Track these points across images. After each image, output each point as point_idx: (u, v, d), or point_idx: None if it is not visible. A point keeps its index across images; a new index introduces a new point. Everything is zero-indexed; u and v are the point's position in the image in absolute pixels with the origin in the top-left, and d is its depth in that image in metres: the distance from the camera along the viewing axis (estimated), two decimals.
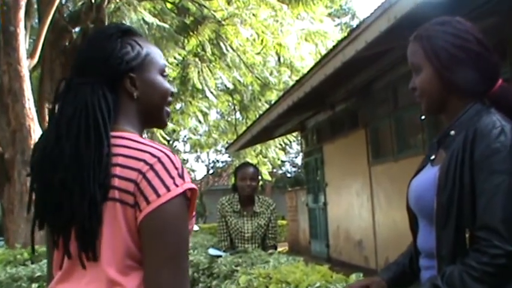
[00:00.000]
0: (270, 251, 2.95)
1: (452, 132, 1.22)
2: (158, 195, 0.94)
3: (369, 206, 7.36)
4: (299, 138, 12.13)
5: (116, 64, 1.03)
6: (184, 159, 21.43)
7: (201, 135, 14.54)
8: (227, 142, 13.82)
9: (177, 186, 0.95)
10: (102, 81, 1.02)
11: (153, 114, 1.08)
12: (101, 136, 0.97)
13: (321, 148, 9.56)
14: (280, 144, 13.16)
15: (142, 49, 1.07)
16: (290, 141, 14.67)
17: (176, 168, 0.97)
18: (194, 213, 1.02)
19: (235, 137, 11.21)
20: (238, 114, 13.32)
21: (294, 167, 26.33)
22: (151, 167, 0.96)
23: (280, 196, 18.70)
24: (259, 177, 3.49)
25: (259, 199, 3.33)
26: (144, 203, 0.95)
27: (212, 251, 2.90)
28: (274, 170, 25.45)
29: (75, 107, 0.99)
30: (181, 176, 0.97)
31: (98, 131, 0.98)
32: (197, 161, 23.18)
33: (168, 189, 0.94)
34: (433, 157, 1.29)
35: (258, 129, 7.99)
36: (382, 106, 6.90)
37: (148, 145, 0.99)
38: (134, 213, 0.96)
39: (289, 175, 26.22)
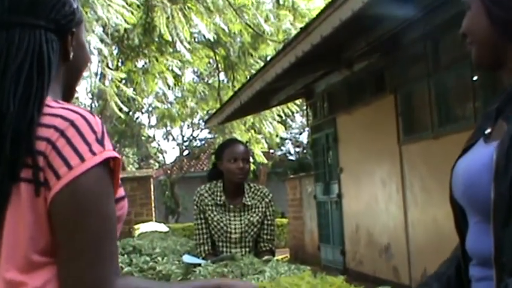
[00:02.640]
0: (266, 257, 2.98)
1: None
2: (70, 167, 0.98)
3: (400, 199, 7.42)
4: (304, 107, 12.14)
5: (69, 13, 1.11)
6: (149, 137, 21.38)
7: (171, 103, 14.53)
8: (207, 113, 13.82)
9: (94, 154, 0.99)
10: (52, 29, 1.08)
11: (73, 84, 1.17)
12: (42, 98, 1.02)
13: (334, 121, 9.58)
14: (280, 116, 13.20)
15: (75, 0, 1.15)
16: (292, 112, 14.69)
17: (94, 132, 1.01)
18: (123, 192, 1.08)
19: (218, 106, 11.21)
20: (222, 75, 13.28)
21: (297, 146, 26.50)
22: (62, 133, 1.00)
23: (278, 185, 18.81)
24: (251, 161, 3.51)
25: (251, 188, 3.35)
26: (54, 178, 0.98)
27: (187, 259, 2.92)
28: (271, 151, 25.59)
29: (26, 53, 1.04)
30: (100, 142, 1.01)
31: (40, 91, 1.03)
32: (166, 138, 23.20)
33: (82, 159, 0.98)
34: (488, 130, 1.29)
35: (249, 95, 7.99)
36: (418, 64, 6.90)
37: (61, 108, 1.03)
38: (44, 193, 0.99)
39: (291, 157, 26.41)
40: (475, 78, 5.86)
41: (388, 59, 7.43)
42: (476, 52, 1.28)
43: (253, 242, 3.29)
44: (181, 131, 22.31)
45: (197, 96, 13.24)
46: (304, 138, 25.92)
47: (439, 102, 6.55)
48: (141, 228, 9.15)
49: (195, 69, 15.15)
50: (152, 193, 12.18)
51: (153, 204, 12.30)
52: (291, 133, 26.43)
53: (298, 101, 12.37)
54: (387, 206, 7.79)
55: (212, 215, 3.29)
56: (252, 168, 13.93)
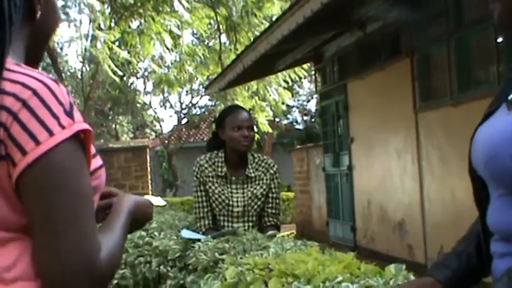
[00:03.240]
0: (270, 232, 3.00)
1: None
2: (37, 142, 0.97)
3: (415, 171, 7.43)
4: (313, 72, 12.09)
5: None
6: (145, 104, 21.37)
7: (169, 67, 14.48)
8: (208, 78, 13.76)
9: (63, 127, 0.99)
10: None
11: (38, 48, 1.16)
12: (1, 58, 1.01)
13: (345, 87, 9.55)
14: (286, 82, 13.15)
15: None
16: (300, 78, 14.60)
17: (61, 104, 1.00)
18: (100, 162, 1.10)
19: (219, 71, 11.17)
20: (223, 38, 13.17)
21: (305, 115, 26.49)
22: (24, 103, 0.98)
23: (284, 157, 18.87)
24: (255, 130, 3.53)
25: (255, 159, 3.38)
26: (19, 154, 0.98)
27: (186, 233, 2.94)
28: (277, 120, 25.59)
29: None
30: (69, 114, 1.01)
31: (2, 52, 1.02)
32: (163, 106, 23.16)
33: (51, 133, 0.98)
34: (511, 96, 1.27)
35: (252, 59, 7.96)
36: (438, 23, 6.84)
37: (22, 73, 1.01)
38: (7, 168, 0.99)
39: (298, 127, 26.41)
40: (499, 39, 5.80)
41: (405, 18, 7.36)
42: (499, 9, 1.25)
43: (256, 216, 3.31)
44: (180, 97, 22.32)
45: (197, 60, 13.16)
46: (312, 106, 25.92)
47: (459, 65, 6.51)
48: None
49: (195, 31, 15.05)
50: (148, 165, 12.22)
51: (149, 177, 12.35)
52: (298, 100, 26.42)
53: (306, 66, 12.31)
54: (402, 179, 7.80)
55: (213, 187, 3.31)
56: (256, 138, 14.00)
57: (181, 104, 22.32)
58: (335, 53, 9.77)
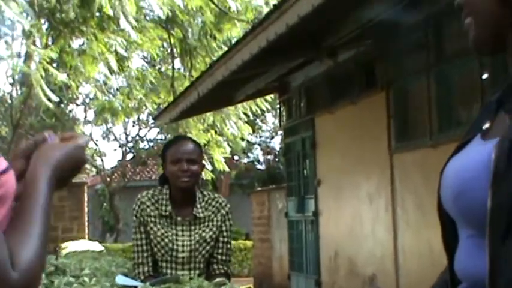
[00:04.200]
0: (218, 279, 2.99)
1: None
2: None
3: (389, 219, 7.48)
4: (277, 105, 12.19)
5: None
6: (84, 133, 21.15)
7: (114, 94, 14.44)
8: (158, 107, 13.75)
9: None
10: None
11: None
12: None
13: (312, 122, 9.64)
14: (246, 115, 13.25)
15: None
16: (263, 111, 14.72)
17: None
18: (3, 164, 1.06)
19: (171, 99, 11.18)
20: (177, 62, 13.24)
21: (267, 153, 26.60)
22: None
23: (243, 200, 18.86)
24: (204, 164, 3.55)
25: (204, 197, 3.38)
26: None
27: (122, 280, 2.92)
28: (236, 158, 25.62)
29: None
30: None
31: None
32: (106, 138, 22.98)
33: None
34: (486, 125, 1.29)
35: (209, 87, 7.98)
36: (417, 54, 6.98)
37: None
38: None
39: (259, 167, 26.49)
40: (484, 76, 5.94)
41: (381, 47, 7.49)
42: (475, 29, 1.27)
43: (204, 263, 3.31)
44: (125, 129, 22.18)
45: (146, 87, 13.18)
46: (276, 143, 26.08)
47: (440, 102, 6.63)
48: (70, 246, 9.06)
49: (145, 54, 15.10)
50: (85, 204, 12.07)
51: (86, 218, 12.19)
52: (260, 137, 26.57)
53: (269, 98, 12.44)
54: (373, 228, 7.85)
55: (155, 229, 3.29)
56: (210, 178, 13.97)
57: (126, 136, 22.22)
58: (302, 83, 9.88)
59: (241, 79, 8.38)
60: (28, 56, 9.97)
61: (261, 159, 27.18)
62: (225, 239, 3.34)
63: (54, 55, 9.49)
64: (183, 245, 3.28)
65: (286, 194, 10.93)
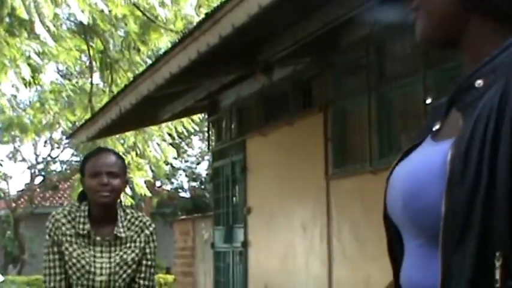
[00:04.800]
0: None
1: (479, 82, 1.23)
2: None
3: (324, 251, 7.52)
4: (206, 126, 12.18)
5: None
6: None
7: (23, 109, 14.17)
8: (73, 125, 13.56)
9: None
10: None
11: None
12: None
13: (243, 144, 9.66)
14: (172, 137, 13.18)
15: None
16: (189, 133, 14.66)
17: None
18: None
19: (88, 117, 11.04)
20: (96, 76, 13.09)
21: (193, 180, 26.51)
22: None
23: (165, 231, 18.68)
24: (127, 180, 3.51)
25: (127, 215, 3.35)
26: None
27: None
28: (158, 184, 25.46)
29: None
30: None
31: None
32: (13, 158, 22.48)
33: None
34: (437, 126, 1.31)
35: (132, 102, 7.91)
36: (357, 75, 7.09)
37: None
38: None
39: (184, 194, 26.35)
40: (428, 101, 6.08)
41: (319, 65, 7.57)
42: (426, 21, 1.29)
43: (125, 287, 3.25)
44: (35, 148, 21.76)
45: (61, 102, 13.00)
46: (203, 170, 26.03)
47: (381, 126, 6.72)
48: None
49: (60, 67, 14.89)
50: None
51: None
52: (185, 161, 26.47)
53: (197, 118, 12.44)
54: (307, 260, 7.88)
55: (71, 249, 3.23)
56: (130, 204, 13.80)
57: (36, 157, 21.77)
58: (234, 102, 9.89)
59: (168, 95, 8.34)
60: None
61: (186, 186, 27.07)
62: (149, 262, 3.30)
63: None
64: (101, 268, 3.22)
65: (213, 222, 10.89)
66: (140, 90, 7.51)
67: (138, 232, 3.31)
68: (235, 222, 9.96)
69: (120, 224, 3.29)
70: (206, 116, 11.48)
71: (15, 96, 13.49)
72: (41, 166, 22.48)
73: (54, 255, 3.24)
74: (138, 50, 11.05)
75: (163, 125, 12.31)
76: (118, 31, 11.49)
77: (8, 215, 22.87)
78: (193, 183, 26.62)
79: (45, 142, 18.92)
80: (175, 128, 12.42)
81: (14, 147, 20.25)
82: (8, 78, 9.54)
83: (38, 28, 8.54)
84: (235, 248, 9.88)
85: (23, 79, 9.90)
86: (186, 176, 26.86)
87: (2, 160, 21.03)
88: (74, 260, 3.22)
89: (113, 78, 11.67)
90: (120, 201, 3.40)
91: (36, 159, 21.50)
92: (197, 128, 14.54)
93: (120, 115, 8.38)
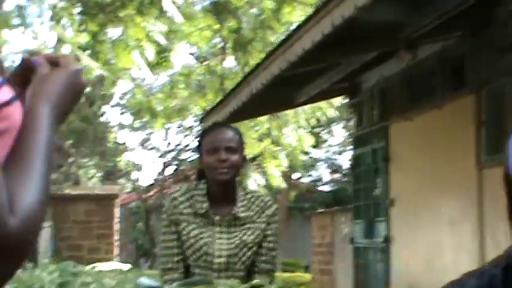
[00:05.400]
0: (256, 281, 3.00)
1: None
2: None
3: (475, 249, 7.40)
4: (346, 110, 12.18)
5: None
6: (118, 144, 21.34)
7: (153, 93, 14.58)
8: (204, 111, 13.85)
9: None
10: None
11: None
12: None
13: (386, 130, 9.62)
14: (309, 124, 13.21)
15: None
16: (330, 119, 14.62)
17: None
18: (4, 97, 1.12)
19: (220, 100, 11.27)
20: (231, 59, 13.32)
21: (334, 171, 26.43)
22: None
23: (303, 226, 18.79)
24: (246, 156, 3.54)
25: (247, 194, 3.41)
26: None
27: (144, 281, 2.96)
28: (295, 176, 25.51)
29: None
30: None
31: None
32: (144, 145, 23.09)
33: None
34: None
35: (264, 82, 8.00)
36: None
37: None
38: None
39: (324, 188, 26.33)
40: None
41: (472, 41, 7.44)
42: None
43: (244, 271, 3.31)
44: (166, 135, 22.17)
45: (193, 85, 13.30)
46: (345, 160, 25.91)
47: None
48: (97, 268, 9.19)
49: (193, 47, 15.25)
50: (115, 220, 12.22)
51: (116, 237, 12.35)
52: (326, 151, 26.45)
53: (337, 100, 12.39)
54: (456, 258, 7.76)
55: (188, 229, 3.32)
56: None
57: (168, 144, 22.22)
58: (376, 84, 9.86)
59: (303, 76, 8.40)
60: (58, 43, 10.14)
61: (326, 178, 27.05)
62: (270, 245, 3.35)
63: (85, 41, 9.65)
64: (220, 249, 3.30)
65: (352, 215, 10.90)
66: (272, 70, 7.58)
67: (259, 212, 3.37)
68: (376, 215, 9.92)
69: (239, 204, 3.35)
70: (347, 97, 11.46)
71: (143, 79, 13.91)
72: (172, 155, 22.95)
73: (172, 235, 3.35)
74: (272, 29, 11.16)
75: (300, 110, 12.36)
76: (252, 8, 11.64)
77: (139, 206, 23.57)
78: (334, 176, 26.59)
79: (178, 128, 19.35)
80: (313, 113, 12.41)
81: (145, 135, 20.83)
82: (132, 60, 9.84)
83: (166, 4, 8.77)
84: (376, 244, 9.85)
85: (149, 60, 10.17)
86: (327, 167, 26.85)
87: (133, 148, 21.72)
88: (192, 240, 3.31)
89: (246, 59, 11.84)
90: (240, 179, 3.46)
91: (167, 147, 21.96)
92: (338, 114, 14.49)
93: (252, 97, 8.49)
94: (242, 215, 3.34)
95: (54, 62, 1.31)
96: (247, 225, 3.35)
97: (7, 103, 1.13)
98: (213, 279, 2.89)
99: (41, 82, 1.26)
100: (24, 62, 1.32)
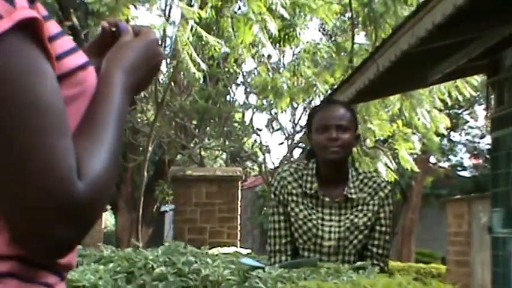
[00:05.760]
0: (360, 263, 3.02)
1: None
2: None
3: None
4: (487, 89, 11.90)
5: None
6: (244, 124, 21.53)
7: (278, 71, 14.65)
8: (332, 89, 13.85)
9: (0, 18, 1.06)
10: None
11: None
12: None
13: None
14: (445, 104, 12.97)
15: None
16: (471, 100, 14.28)
17: None
18: (80, 61, 1.16)
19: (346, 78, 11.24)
20: (361, 34, 13.26)
21: (476, 156, 25.92)
22: None
23: (440, 214, 18.53)
24: (359, 134, 3.56)
25: (359, 174, 3.43)
26: None
27: (249, 261, 3.01)
28: (432, 160, 25.15)
29: None
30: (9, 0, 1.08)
31: None
32: (270, 127, 23.20)
33: None
34: None
35: (392, 59, 7.92)
36: None
37: None
38: None
39: (464, 174, 25.87)
40: None
41: None
42: None
43: (355, 255, 3.33)
44: (293, 116, 22.17)
45: (320, 63, 13.29)
46: (487, 144, 25.34)
47: None
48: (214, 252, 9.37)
49: (319, 22, 15.26)
50: (239, 203, 12.38)
51: (239, 221, 12.52)
52: (466, 134, 25.95)
53: (476, 78, 12.12)
54: None
55: (297, 210, 3.36)
56: (393, 180, 13.81)
57: (294, 125, 22.21)
58: None
59: (435, 52, 8.27)
60: (182, 19, 10.30)
61: (467, 163, 26.55)
62: (383, 228, 3.36)
63: (208, 17, 9.77)
64: (329, 232, 3.32)
65: (491, 203, 10.67)
66: (400, 45, 7.50)
67: (372, 194, 3.37)
68: None
69: (351, 184, 3.36)
70: (487, 76, 11.21)
71: (269, 57, 13.99)
72: (299, 136, 22.96)
73: (280, 216, 3.39)
74: (405, 2, 11.01)
75: (435, 89, 12.16)
76: None
77: (264, 190, 23.73)
78: (475, 161, 26.06)
79: (304, 109, 19.35)
80: (449, 92, 12.18)
81: (271, 115, 20.88)
82: (253, 35, 9.88)
83: None
84: None
85: (272, 37, 10.23)
86: (467, 151, 26.34)
87: (260, 129, 21.85)
88: (300, 222, 3.35)
89: (377, 34, 11.74)
90: (352, 159, 3.48)
91: (293, 128, 21.96)
92: (478, 94, 14.18)
93: (379, 74, 8.42)
94: (354, 196, 3.36)
95: (135, 32, 1.36)
96: (359, 207, 3.36)
97: (81, 67, 1.18)
98: (317, 261, 2.91)
99: (119, 49, 1.31)
100: (104, 29, 1.38)
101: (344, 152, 3.34)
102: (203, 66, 10.05)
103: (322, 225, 3.34)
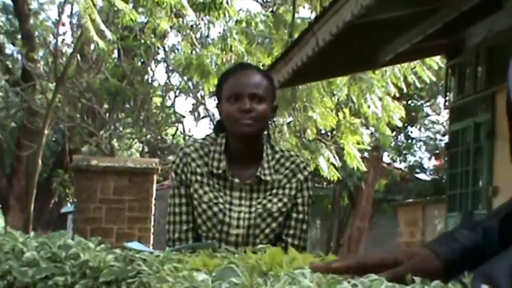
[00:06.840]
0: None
1: None
2: None
3: None
4: (446, 74, 12.07)
5: None
6: (166, 107, 21.39)
7: (202, 45, 14.64)
8: (271, 67, 13.86)
9: None
10: None
11: None
12: None
13: (492, 99, 9.55)
14: (400, 89, 13.03)
15: None
16: (428, 86, 14.39)
17: None
18: None
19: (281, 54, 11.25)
20: (306, 7, 13.33)
21: (437, 156, 26.07)
22: None
23: (393, 223, 18.66)
24: (277, 106, 3.51)
25: (276, 153, 3.42)
26: None
27: (134, 245, 2.98)
28: (386, 160, 25.16)
29: None
30: None
31: None
32: (195, 113, 23.20)
33: None
34: None
35: (331, 33, 7.90)
36: None
37: None
38: None
39: (422, 176, 26.01)
40: None
41: None
42: None
43: (269, 242, 3.20)
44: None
45: (252, 37, 13.29)
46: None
47: None
48: None
49: None
50: (153, 200, 12.31)
51: (152, 223, 12.46)
52: (427, 130, 26.16)
53: (435, 59, 12.23)
54: None
55: (201, 192, 3.34)
56: (336, 179, 13.81)
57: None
58: (482, 41, 9.74)
59: (383, 25, 8.32)
60: None
61: (427, 165, 26.79)
62: (300, 216, 3.36)
63: None
64: (238, 218, 3.32)
65: (446, 207, 10.84)
66: (342, 15, 7.50)
67: (289, 176, 3.37)
68: (475, 207, 9.86)
69: (265, 164, 3.35)
70: (445, 58, 11.34)
71: (194, 28, 13.94)
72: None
73: (181, 199, 3.36)
74: None
75: (388, 73, 12.25)
76: None
77: None
78: (437, 162, 26.30)
79: None
80: (405, 77, 12.27)
81: (197, 99, 20.80)
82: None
83: None
84: None
85: (196, 3, 10.16)
86: (426, 150, 26.58)
87: (183, 116, 21.76)
88: (205, 206, 3.32)
89: (323, 6, 11.78)
90: (268, 135, 3.45)
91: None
92: (442, 83, 14.36)
93: (320, 50, 8.42)
94: (268, 178, 3.34)
95: None
96: (274, 191, 3.35)
97: None
98: (215, 245, 2.85)
99: None
100: None
101: (258, 126, 3.28)
102: (108, 35, 9.98)
103: (230, 210, 3.31)
